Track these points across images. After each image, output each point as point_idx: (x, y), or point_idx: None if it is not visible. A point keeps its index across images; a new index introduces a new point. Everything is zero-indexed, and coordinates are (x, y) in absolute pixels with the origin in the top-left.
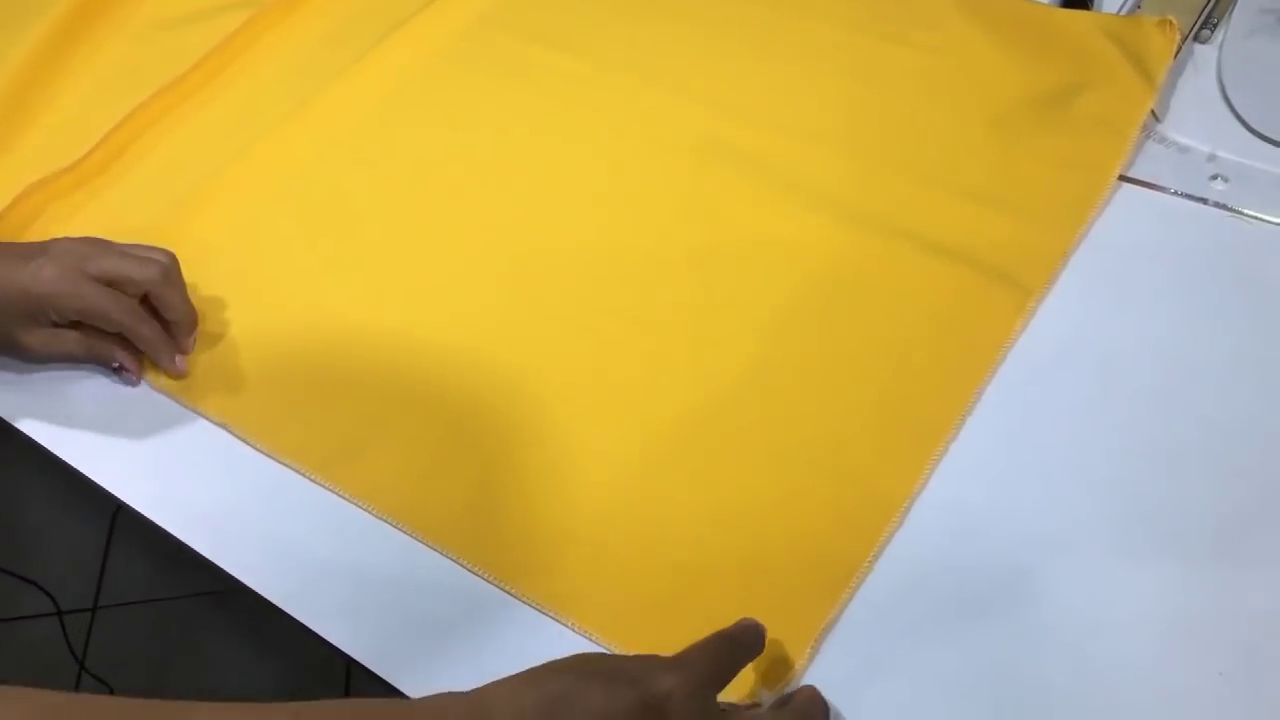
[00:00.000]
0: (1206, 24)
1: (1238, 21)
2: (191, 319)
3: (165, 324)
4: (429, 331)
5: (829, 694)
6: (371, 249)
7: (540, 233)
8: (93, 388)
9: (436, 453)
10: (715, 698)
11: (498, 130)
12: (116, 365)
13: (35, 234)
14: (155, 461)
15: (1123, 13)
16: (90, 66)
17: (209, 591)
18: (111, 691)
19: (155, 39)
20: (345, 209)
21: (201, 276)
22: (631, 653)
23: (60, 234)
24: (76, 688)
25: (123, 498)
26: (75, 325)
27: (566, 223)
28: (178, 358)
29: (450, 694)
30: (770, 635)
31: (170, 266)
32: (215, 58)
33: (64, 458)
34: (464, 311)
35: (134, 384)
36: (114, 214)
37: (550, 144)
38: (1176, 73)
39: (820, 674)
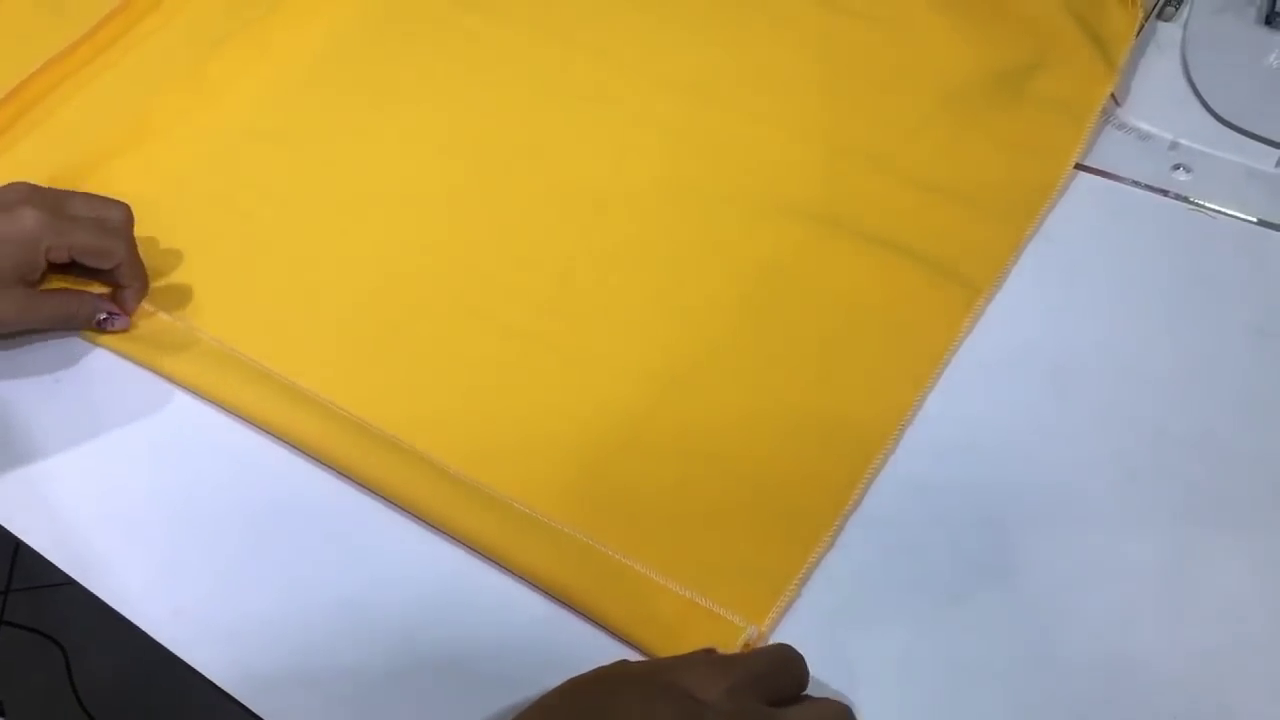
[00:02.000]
0: (1171, 0)
1: None
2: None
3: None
4: (353, 298)
5: None
6: (278, 225)
7: (458, 208)
8: None
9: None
10: (761, 703)
11: (416, 101)
12: (103, 317)
13: None
14: (22, 474)
15: None
16: None
17: None
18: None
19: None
20: (247, 186)
21: None
22: None
23: None
24: None
25: None
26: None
27: (485, 200)
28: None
29: None
30: None
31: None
32: (114, 21)
33: None
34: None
35: (126, 327)
36: None
37: (471, 116)
38: (1139, 53)
39: None
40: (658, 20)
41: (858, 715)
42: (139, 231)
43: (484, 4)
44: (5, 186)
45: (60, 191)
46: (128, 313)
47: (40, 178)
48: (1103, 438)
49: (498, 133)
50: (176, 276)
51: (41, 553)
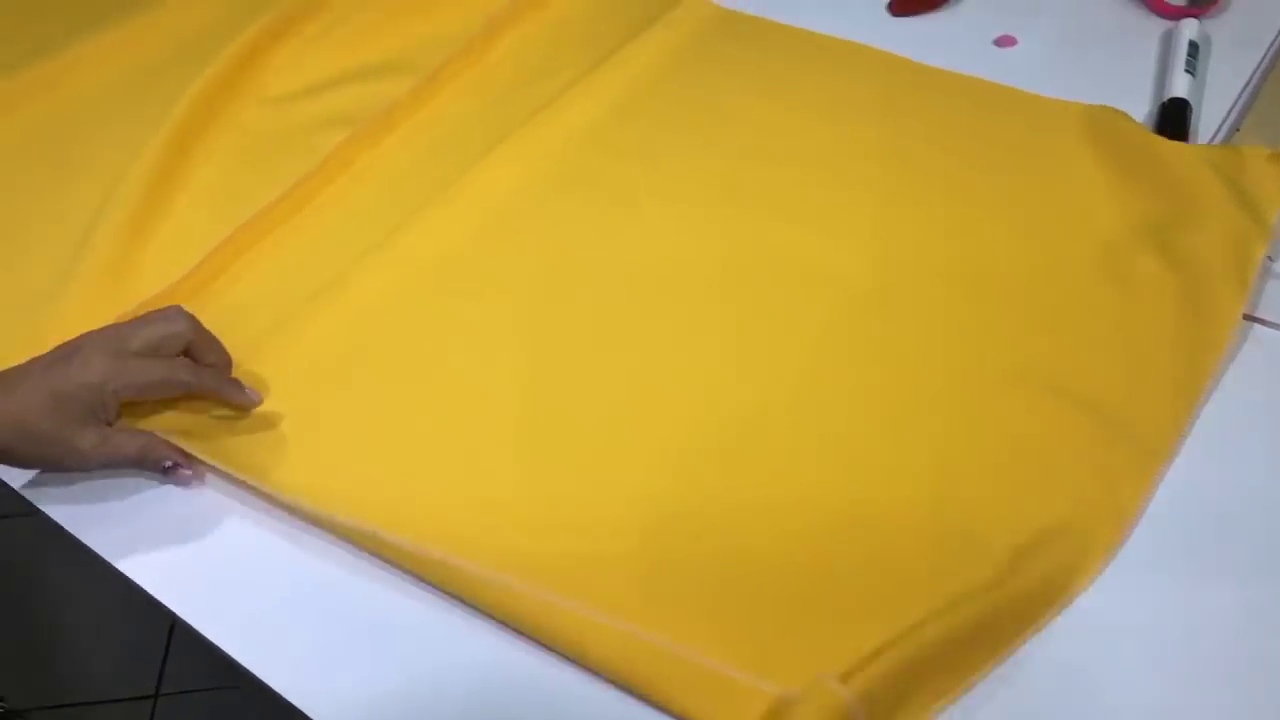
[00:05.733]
0: None
1: None
2: (228, 357)
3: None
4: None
5: None
6: (468, 379)
7: (621, 345)
8: (150, 497)
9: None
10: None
11: (590, 242)
12: (169, 465)
13: None
14: (198, 565)
15: (1221, 134)
16: (194, 181)
17: None
18: None
19: (254, 159)
20: (440, 339)
21: (288, 404)
22: None
23: None
24: None
25: (165, 602)
26: (125, 431)
27: (652, 332)
28: (246, 388)
29: None
30: None
31: (192, 315)
32: (311, 180)
33: (122, 569)
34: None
35: (189, 483)
36: None
37: (651, 256)
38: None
39: None
40: (831, 179)
41: None
42: (346, 373)
43: (652, 162)
44: (76, 338)
45: (122, 327)
46: (236, 403)
47: (240, 333)
48: (1265, 596)
49: (680, 275)
50: (367, 416)
51: (222, 646)
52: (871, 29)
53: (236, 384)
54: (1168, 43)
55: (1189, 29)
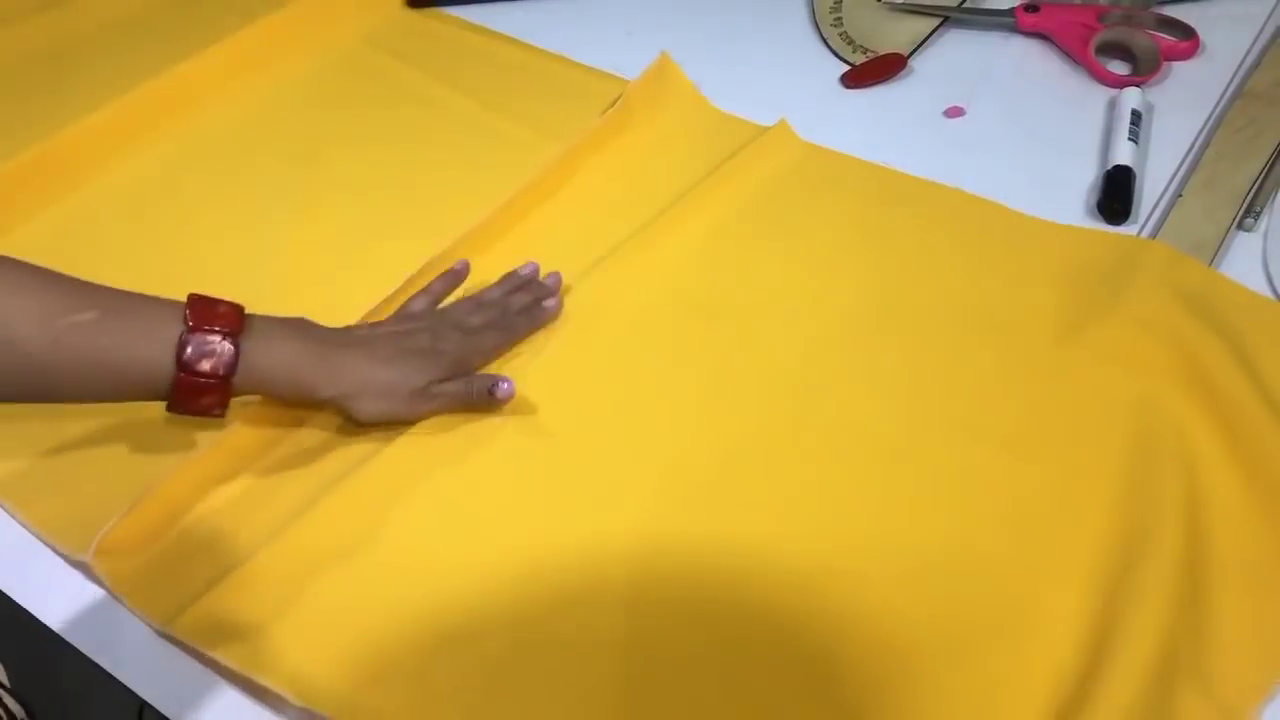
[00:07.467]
0: (1250, 211)
1: None
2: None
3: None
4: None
5: None
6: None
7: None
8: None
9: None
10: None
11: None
12: (490, 387)
13: None
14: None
15: (1165, 200)
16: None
17: None
18: None
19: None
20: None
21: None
22: None
23: None
24: None
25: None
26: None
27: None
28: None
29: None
30: None
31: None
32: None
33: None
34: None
35: (510, 394)
36: None
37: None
38: (1221, 263)
39: None
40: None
41: None
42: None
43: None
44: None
45: (462, 306)
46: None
47: None
48: None
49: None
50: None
51: None
52: (825, 101)
53: (548, 309)
54: (1112, 111)
55: (1131, 98)
